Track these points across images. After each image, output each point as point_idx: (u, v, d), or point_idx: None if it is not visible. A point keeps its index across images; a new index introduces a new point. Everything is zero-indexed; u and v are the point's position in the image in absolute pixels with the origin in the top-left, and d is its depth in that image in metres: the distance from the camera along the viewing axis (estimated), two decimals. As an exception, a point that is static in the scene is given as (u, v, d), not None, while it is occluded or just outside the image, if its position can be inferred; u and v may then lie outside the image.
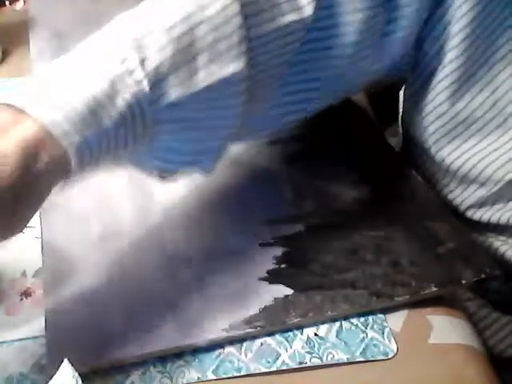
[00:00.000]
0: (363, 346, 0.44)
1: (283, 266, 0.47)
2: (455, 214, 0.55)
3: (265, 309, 0.44)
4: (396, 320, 0.46)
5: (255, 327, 0.43)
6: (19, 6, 0.67)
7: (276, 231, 0.49)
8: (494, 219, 0.54)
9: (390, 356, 0.44)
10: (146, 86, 0.35)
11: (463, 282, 0.46)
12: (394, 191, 0.54)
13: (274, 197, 0.52)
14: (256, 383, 0.42)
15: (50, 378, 0.38)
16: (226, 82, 0.38)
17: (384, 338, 0.45)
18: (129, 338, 0.41)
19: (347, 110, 0.59)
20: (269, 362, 0.43)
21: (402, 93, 0.58)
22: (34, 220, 0.47)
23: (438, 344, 0.45)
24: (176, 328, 0.42)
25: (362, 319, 0.46)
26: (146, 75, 0.35)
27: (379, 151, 0.58)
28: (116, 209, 0.49)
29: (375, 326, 0.45)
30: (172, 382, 0.41)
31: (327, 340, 0.44)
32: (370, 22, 0.44)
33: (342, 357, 0.43)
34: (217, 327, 0.43)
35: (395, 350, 0.44)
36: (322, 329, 0.45)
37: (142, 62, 0.35)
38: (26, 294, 0.44)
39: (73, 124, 0.33)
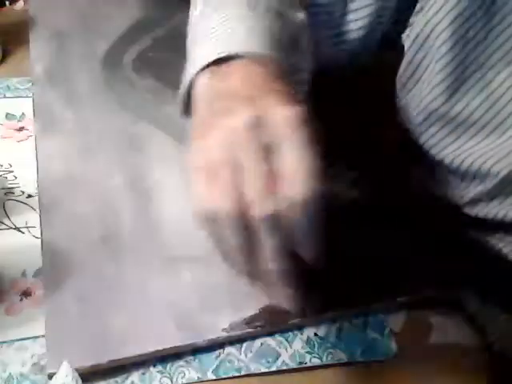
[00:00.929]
0: (363, 346, 0.44)
1: (283, 266, 0.47)
2: (453, 211, 0.55)
3: (265, 309, 0.44)
4: (396, 320, 0.46)
5: (255, 327, 0.43)
6: (19, 6, 0.67)
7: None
8: (490, 216, 0.55)
9: (389, 356, 0.44)
10: None
11: (462, 281, 0.46)
12: (393, 191, 0.54)
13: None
14: (256, 383, 0.42)
15: (50, 378, 0.38)
16: None
17: (384, 338, 0.45)
18: (129, 338, 0.41)
19: (347, 110, 0.59)
20: (269, 362, 0.43)
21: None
22: (34, 220, 0.48)
23: (438, 344, 0.45)
24: (176, 328, 0.42)
25: (362, 319, 0.46)
26: None
27: (379, 151, 0.58)
28: (116, 209, 0.49)
29: (375, 326, 0.45)
30: (172, 382, 0.41)
31: (327, 340, 0.44)
32: None
33: (342, 357, 0.44)
34: (217, 327, 0.43)
35: (395, 350, 0.44)
36: (322, 329, 0.45)
37: None
38: (26, 293, 0.44)
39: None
